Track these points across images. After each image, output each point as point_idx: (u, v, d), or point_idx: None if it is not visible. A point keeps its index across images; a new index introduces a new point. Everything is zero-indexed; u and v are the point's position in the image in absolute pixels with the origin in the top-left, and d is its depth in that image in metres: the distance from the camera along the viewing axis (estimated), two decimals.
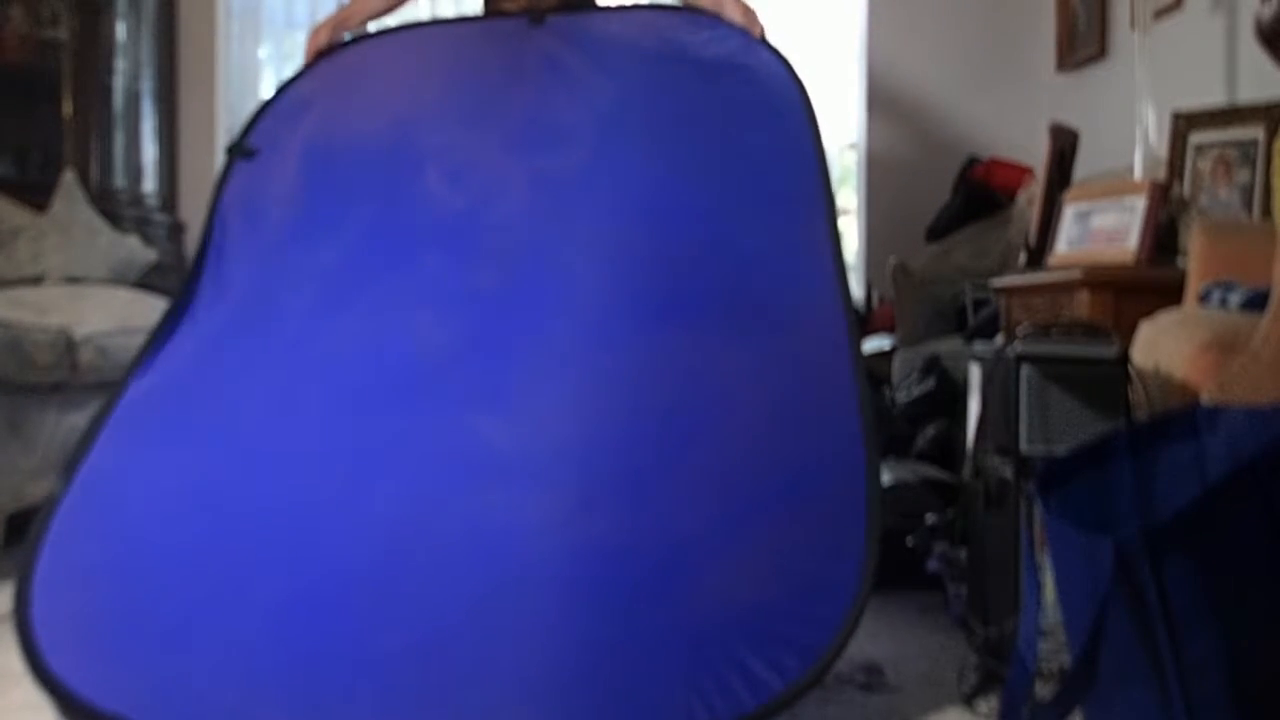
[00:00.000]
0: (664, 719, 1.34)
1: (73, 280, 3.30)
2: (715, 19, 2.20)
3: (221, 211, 2.11)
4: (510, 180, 1.99)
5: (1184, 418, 1.28)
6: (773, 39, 2.20)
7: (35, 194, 3.47)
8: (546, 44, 2.20)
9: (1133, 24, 3.00)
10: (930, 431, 2.76)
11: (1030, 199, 3.17)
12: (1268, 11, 1.97)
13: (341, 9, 2.41)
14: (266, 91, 2.33)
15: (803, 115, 2.03)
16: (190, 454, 1.74)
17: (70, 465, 1.78)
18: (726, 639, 1.40)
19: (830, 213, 1.89)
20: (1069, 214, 2.67)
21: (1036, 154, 3.14)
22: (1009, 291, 2.84)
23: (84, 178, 3.59)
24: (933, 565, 2.02)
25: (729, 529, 1.52)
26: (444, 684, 1.40)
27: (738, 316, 1.77)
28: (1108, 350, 1.60)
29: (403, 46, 2.33)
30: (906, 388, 2.95)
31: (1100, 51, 3.58)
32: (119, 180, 3.83)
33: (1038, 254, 2.82)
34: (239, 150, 2.19)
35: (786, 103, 2.06)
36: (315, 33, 2.35)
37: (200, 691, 1.44)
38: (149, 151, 3.99)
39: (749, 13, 2.19)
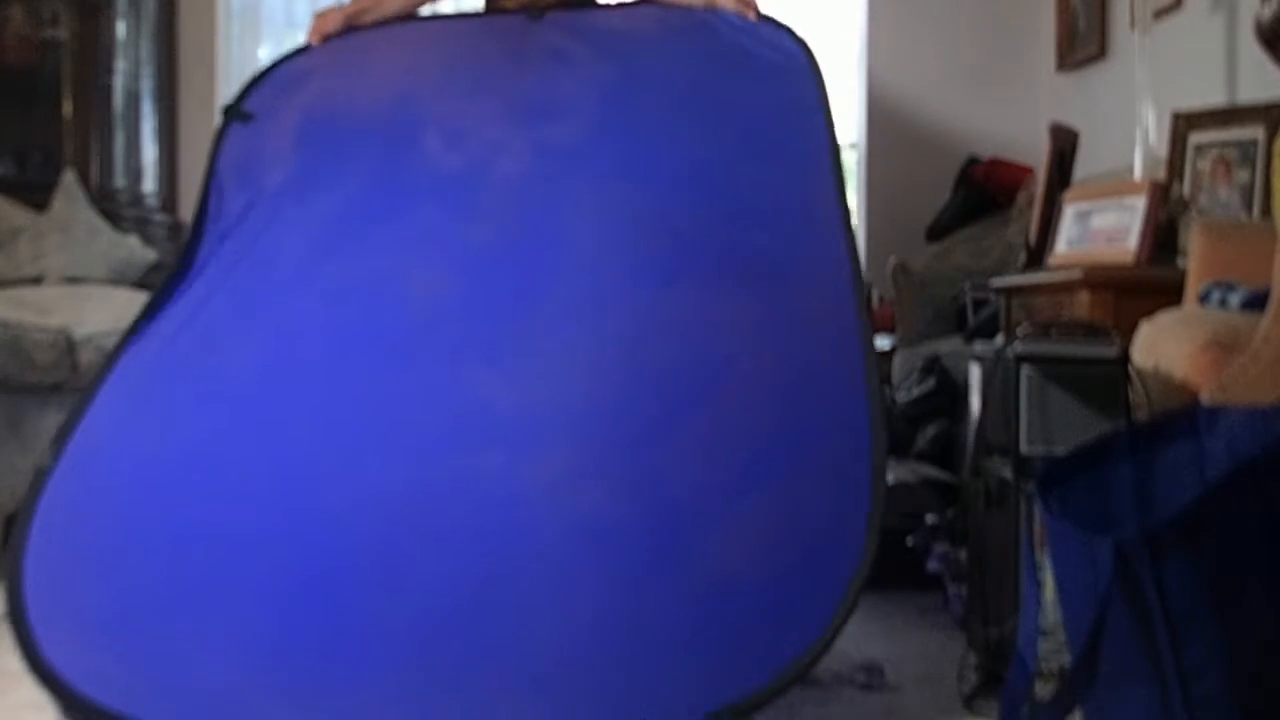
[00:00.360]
0: (670, 696, 1.34)
1: (73, 280, 3.30)
2: (710, 8, 2.22)
3: (218, 176, 2.10)
4: (510, 147, 2.00)
5: (1184, 418, 1.29)
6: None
7: (35, 194, 3.47)
8: (547, 34, 2.22)
9: (1133, 24, 3.00)
10: (930, 431, 2.76)
11: (1030, 199, 3.17)
12: (1268, 12, 1.97)
13: (354, 2, 2.41)
14: None
15: (810, 76, 2.03)
16: (183, 424, 1.73)
17: (60, 437, 1.76)
18: (730, 612, 1.39)
19: (837, 172, 1.87)
20: (1069, 214, 2.67)
21: (1036, 154, 3.14)
22: (1009, 291, 2.84)
23: (84, 178, 3.59)
24: (933, 565, 2.02)
25: (731, 492, 1.50)
26: (450, 666, 1.40)
27: (739, 274, 1.76)
28: (1108, 350, 1.60)
29: (404, 34, 2.35)
30: (906, 388, 2.95)
31: (1100, 51, 3.58)
32: (119, 180, 3.83)
33: (1038, 254, 2.82)
34: (235, 113, 2.18)
35: (791, 65, 2.06)
36: (323, 16, 2.34)
37: (203, 685, 1.43)
38: (149, 151, 3.99)
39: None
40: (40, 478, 1.70)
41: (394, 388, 1.70)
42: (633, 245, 1.81)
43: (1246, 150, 2.61)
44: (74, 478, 1.70)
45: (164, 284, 1.97)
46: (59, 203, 3.44)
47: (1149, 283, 2.31)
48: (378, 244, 1.88)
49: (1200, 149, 2.72)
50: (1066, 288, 2.45)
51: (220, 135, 2.16)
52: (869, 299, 4.07)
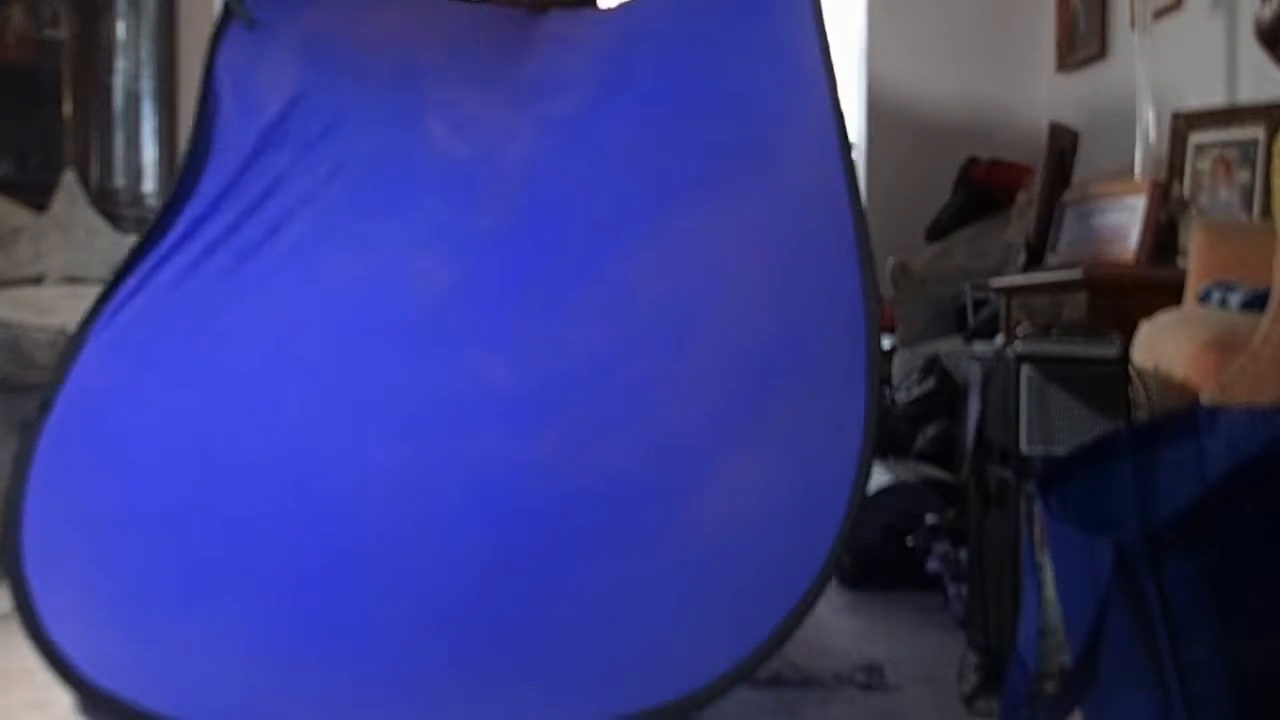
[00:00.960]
0: (667, 671, 1.33)
1: (73, 280, 3.29)
2: None
3: (215, 85, 2.06)
4: (513, 129, 2.01)
5: (1184, 418, 1.28)
6: None
7: (35, 194, 3.47)
8: (549, 23, 2.24)
9: (1133, 24, 3.00)
10: (930, 431, 2.76)
11: (1030, 199, 3.17)
12: (1268, 12, 1.97)
13: None
14: None
15: (809, 11, 1.99)
16: (183, 405, 1.72)
17: (50, 391, 1.71)
18: (724, 576, 1.39)
19: (833, 95, 1.78)
20: (1069, 214, 2.67)
21: (1036, 154, 3.14)
22: (1009, 291, 2.84)
23: (84, 178, 3.59)
24: (933, 565, 2.02)
25: (725, 448, 1.49)
26: (450, 654, 1.41)
27: (729, 179, 1.75)
28: (1108, 350, 1.60)
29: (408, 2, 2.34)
30: (906, 388, 2.95)
31: (1100, 51, 3.58)
32: (119, 180, 3.83)
33: (1038, 254, 2.82)
34: (239, 12, 2.14)
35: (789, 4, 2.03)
36: None
37: (210, 676, 1.43)
38: (149, 151, 4.00)
39: None
40: (34, 432, 1.67)
41: (395, 375, 1.71)
42: (630, 192, 1.80)
43: (1246, 150, 2.61)
44: (70, 436, 1.68)
45: (157, 222, 1.93)
46: (59, 203, 3.44)
47: (1149, 283, 2.31)
48: (384, 237, 1.89)
49: (1200, 149, 2.72)
50: (1066, 288, 2.45)
51: (218, 34, 2.13)
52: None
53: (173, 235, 1.91)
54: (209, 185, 1.97)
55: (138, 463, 1.66)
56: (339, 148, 2.00)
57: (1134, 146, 2.85)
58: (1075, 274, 2.40)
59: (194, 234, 1.91)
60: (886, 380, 3.29)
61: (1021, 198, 3.38)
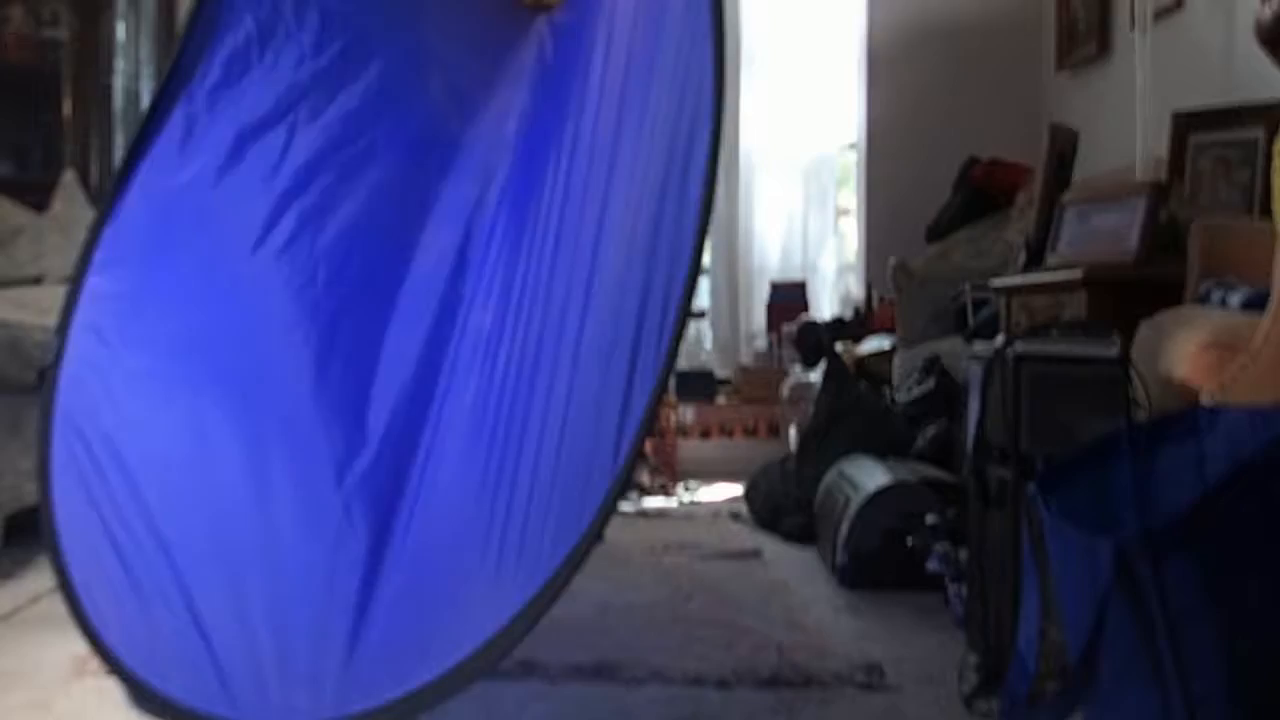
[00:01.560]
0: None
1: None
2: None
3: None
4: (508, 106, 2.02)
5: (1184, 418, 1.28)
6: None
7: (35, 194, 3.48)
8: (552, 15, 2.25)
9: (1133, 24, 3.00)
10: (930, 431, 2.76)
11: (1030, 199, 3.17)
12: (1267, 12, 1.97)
13: None
14: None
15: None
16: (187, 359, 1.75)
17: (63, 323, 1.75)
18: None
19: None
20: (1069, 214, 2.66)
21: (1036, 154, 3.14)
22: (1009, 291, 2.84)
23: (84, 178, 3.59)
24: (933, 565, 2.02)
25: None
26: (450, 635, 1.41)
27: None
28: (1108, 350, 1.60)
29: None
30: (906, 388, 2.96)
31: (1100, 51, 3.58)
32: None
33: (1038, 254, 2.82)
34: None
35: None
36: None
37: (226, 675, 1.44)
38: None
39: None
40: (50, 389, 1.73)
41: (394, 351, 1.73)
42: (607, 160, 1.79)
43: (1246, 150, 2.61)
44: (80, 432, 1.71)
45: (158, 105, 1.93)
46: (59, 203, 3.44)
47: (1149, 283, 2.30)
48: (379, 205, 1.90)
49: (1200, 149, 2.72)
50: (1066, 288, 2.45)
51: None
52: (869, 301, 4.07)
53: (173, 130, 1.90)
54: (214, 69, 1.94)
55: (141, 457, 1.68)
56: (341, 91, 1.99)
57: (1134, 146, 2.85)
58: (1075, 274, 2.40)
59: (191, 141, 1.90)
60: (886, 380, 3.30)
61: (1021, 198, 3.38)
